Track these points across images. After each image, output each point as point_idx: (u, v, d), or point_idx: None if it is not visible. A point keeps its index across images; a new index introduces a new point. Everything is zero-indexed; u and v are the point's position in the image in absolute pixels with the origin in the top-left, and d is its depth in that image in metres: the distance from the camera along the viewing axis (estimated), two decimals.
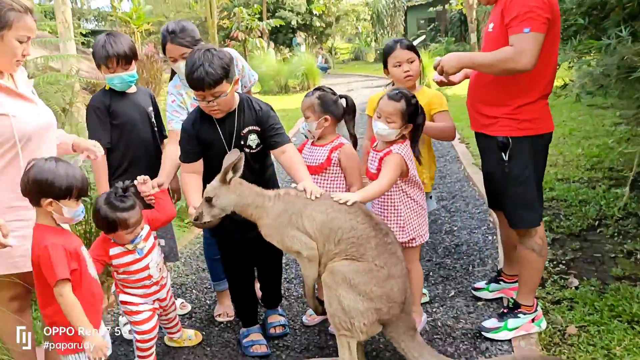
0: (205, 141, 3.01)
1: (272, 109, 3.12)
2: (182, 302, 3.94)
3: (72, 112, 5.34)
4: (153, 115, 3.54)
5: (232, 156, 2.79)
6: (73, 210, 2.37)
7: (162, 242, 2.94)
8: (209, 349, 3.41)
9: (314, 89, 3.35)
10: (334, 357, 3.06)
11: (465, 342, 3.21)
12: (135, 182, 2.92)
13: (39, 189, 2.28)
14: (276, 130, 3.03)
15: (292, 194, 2.83)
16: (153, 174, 3.18)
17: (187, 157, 3.05)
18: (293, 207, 2.77)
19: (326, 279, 2.71)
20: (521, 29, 2.76)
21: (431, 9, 29.93)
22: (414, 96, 3.05)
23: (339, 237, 2.69)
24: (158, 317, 3.06)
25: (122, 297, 2.93)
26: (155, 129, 3.54)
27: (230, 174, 2.74)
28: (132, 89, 3.43)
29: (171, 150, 3.30)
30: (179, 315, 3.83)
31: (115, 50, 3.23)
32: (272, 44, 23.35)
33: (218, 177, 2.78)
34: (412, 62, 3.42)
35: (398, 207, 3.10)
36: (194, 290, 4.26)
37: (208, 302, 4.05)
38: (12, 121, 2.43)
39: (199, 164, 3.05)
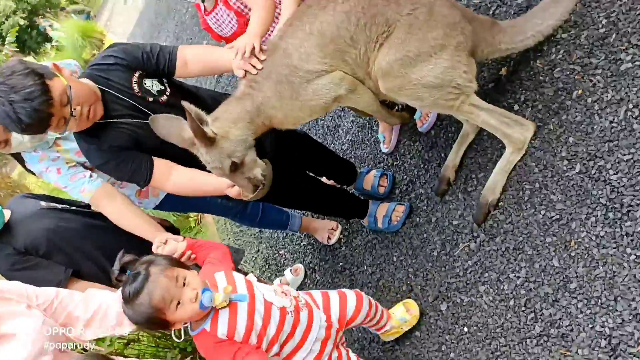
0: (126, 142, 2.17)
1: (120, 44, 2.29)
2: (292, 269, 3.29)
3: None
4: (52, 205, 2.60)
5: (170, 123, 1.97)
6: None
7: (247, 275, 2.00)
8: (365, 267, 2.80)
9: None
10: (455, 139, 2.44)
11: None
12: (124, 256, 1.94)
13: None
14: (151, 53, 2.22)
15: (259, 68, 2.01)
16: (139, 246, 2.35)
17: (144, 172, 2.20)
18: (278, 70, 1.98)
19: (389, 86, 1.99)
20: None
21: None
22: None
23: (348, 35, 1.94)
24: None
25: None
26: (73, 209, 2.63)
27: (206, 129, 1.91)
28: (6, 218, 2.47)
29: (117, 208, 2.40)
30: (302, 280, 3.23)
31: None
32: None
33: (201, 145, 1.94)
34: None
35: None
36: (282, 252, 3.59)
37: (304, 242, 3.39)
38: None
39: (163, 162, 2.22)
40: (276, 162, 2.38)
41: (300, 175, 2.60)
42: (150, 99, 2.17)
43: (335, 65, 1.96)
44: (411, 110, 2.52)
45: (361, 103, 2.10)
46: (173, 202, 2.76)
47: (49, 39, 18.87)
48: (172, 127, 1.97)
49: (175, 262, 1.83)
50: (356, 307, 2.08)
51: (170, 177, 2.20)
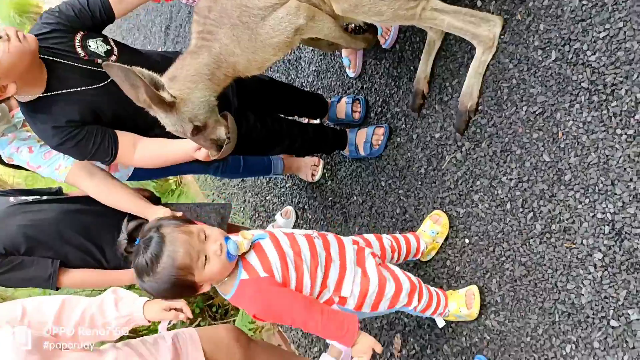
0: (84, 115, 2.00)
1: (49, 10, 2.06)
2: (282, 212, 3.24)
3: None
4: (22, 199, 2.47)
5: (126, 76, 1.76)
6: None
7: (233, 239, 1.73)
8: (355, 197, 2.75)
9: None
10: (421, 49, 2.33)
11: None
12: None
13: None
14: (81, 5, 2.04)
15: (205, 13, 1.85)
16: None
17: (108, 148, 2.05)
18: (229, 14, 1.82)
19: (344, 6, 1.87)
20: None
21: None
22: None
23: None
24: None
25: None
26: (45, 199, 2.49)
27: (163, 94, 1.75)
28: None
29: (97, 184, 2.25)
30: (294, 221, 3.18)
31: None
32: None
33: (160, 110, 1.79)
34: None
35: None
36: (269, 197, 3.52)
37: (289, 184, 3.32)
38: None
39: (127, 135, 2.08)
40: (244, 112, 2.28)
41: (272, 120, 2.47)
42: (99, 61, 2.00)
43: None
44: (374, 30, 2.38)
45: (324, 30, 1.95)
46: (146, 171, 2.65)
47: None
48: (127, 84, 1.76)
49: (184, 220, 1.69)
50: (379, 241, 2.02)
51: (135, 150, 2.07)
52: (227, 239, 1.60)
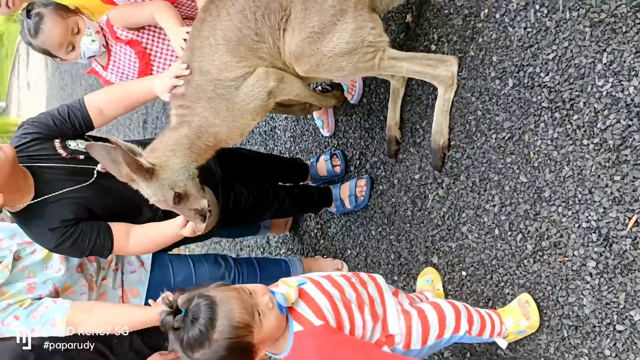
0: (77, 213, 2.02)
1: (27, 121, 2.12)
2: None
3: None
4: None
5: (107, 154, 1.82)
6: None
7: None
8: (349, 251, 2.77)
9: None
10: (387, 98, 2.43)
11: None
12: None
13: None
14: (61, 116, 2.10)
15: (181, 91, 1.95)
16: None
17: (104, 241, 2.06)
18: (204, 89, 1.93)
19: (306, 67, 1.97)
20: None
21: None
22: None
23: (253, 32, 1.89)
24: None
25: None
26: None
27: (141, 160, 1.81)
28: None
29: (100, 319, 2.10)
30: None
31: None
32: None
33: (139, 178, 1.83)
34: None
35: None
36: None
37: (283, 251, 3.33)
38: None
39: (119, 225, 2.09)
40: (229, 182, 2.33)
41: (257, 186, 2.52)
42: (82, 157, 2.06)
43: (254, 64, 1.93)
44: (340, 87, 2.50)
45: (295, 89, 2.05)
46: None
47: None
48: (109, 160, 1.83)
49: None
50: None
51: (128, 239, 2.09)
52: (272, 292, 1.50)
